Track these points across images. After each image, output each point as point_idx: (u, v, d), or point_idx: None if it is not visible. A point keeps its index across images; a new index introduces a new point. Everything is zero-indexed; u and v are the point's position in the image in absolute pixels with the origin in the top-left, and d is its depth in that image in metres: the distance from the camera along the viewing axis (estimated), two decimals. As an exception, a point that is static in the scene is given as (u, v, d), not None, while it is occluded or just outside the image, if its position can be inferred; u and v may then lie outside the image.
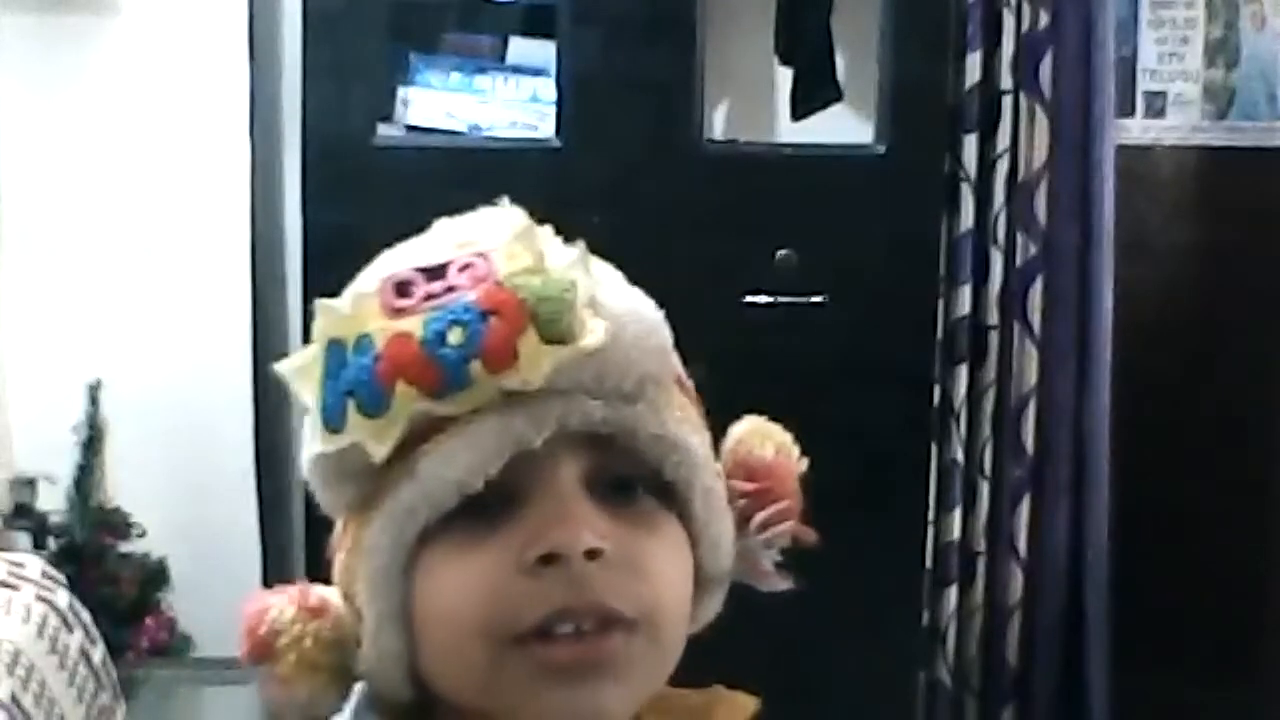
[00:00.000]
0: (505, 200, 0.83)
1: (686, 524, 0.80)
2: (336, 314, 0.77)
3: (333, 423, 0.76)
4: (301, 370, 0.77)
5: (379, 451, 0.75)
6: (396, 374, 0.74)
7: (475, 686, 0.76)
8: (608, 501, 0.77)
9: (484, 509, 0.75)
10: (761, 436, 0.88)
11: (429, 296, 0.76)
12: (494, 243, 0.78)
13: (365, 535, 0.78)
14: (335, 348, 0.76)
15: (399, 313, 0.75)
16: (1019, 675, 3.13)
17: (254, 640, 0.80)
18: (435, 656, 0.77)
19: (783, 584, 0.87)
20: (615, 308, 0.78)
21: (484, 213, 0.83)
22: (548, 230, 0.80)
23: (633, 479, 0.78)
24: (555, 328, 0.74)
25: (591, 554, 0.74)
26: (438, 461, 0.75)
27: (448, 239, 0.80)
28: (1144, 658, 3.09)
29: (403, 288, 0.76)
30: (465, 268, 0.77)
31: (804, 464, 0.88)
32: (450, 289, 0.76)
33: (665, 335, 0.81)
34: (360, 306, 0.77)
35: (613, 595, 0.75)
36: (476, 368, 0.74)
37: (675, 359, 0.82)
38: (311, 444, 0.78)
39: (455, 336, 0.74)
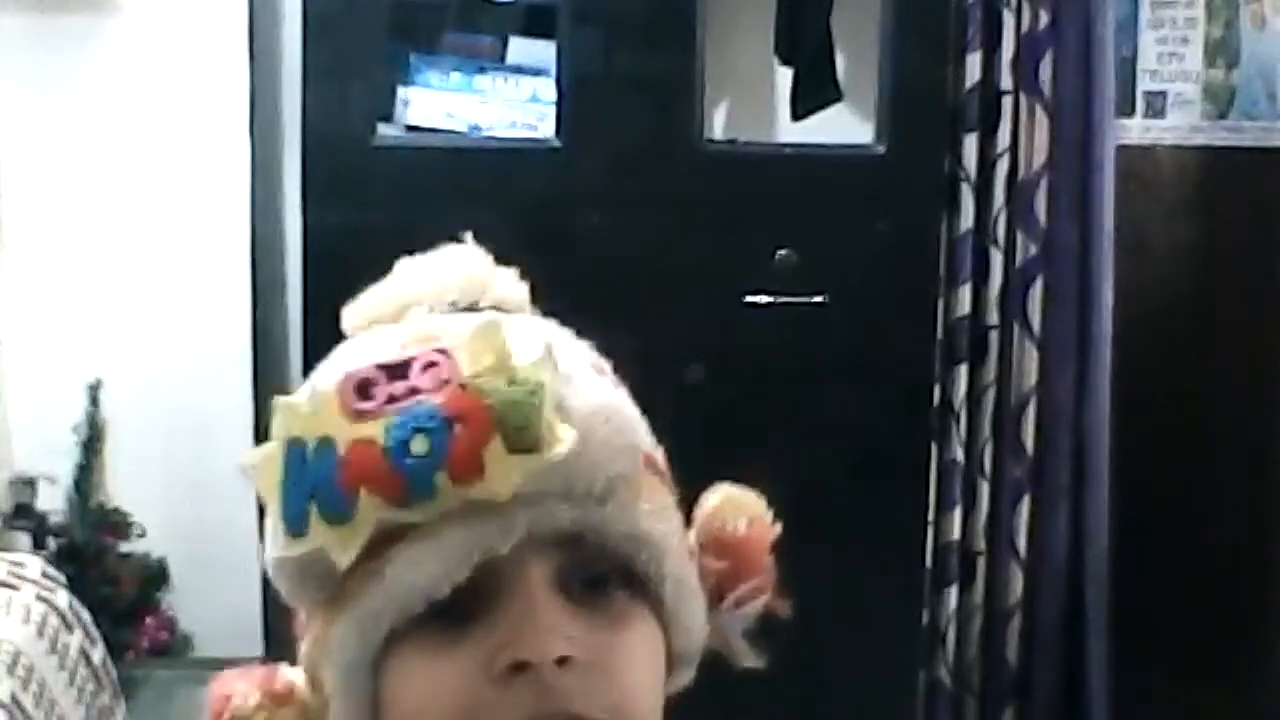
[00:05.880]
0: (470, 238, 0.83)
1: (657, 609, 0.78)
2: (296, 412, 0.74)
3: (295, 526, 0.74)
4: (262, 467, 0.75)
5: (343, 559, 0.73)
6: (359, 482, 0.72)
7: None
8: (579, 598, 0.75)
9: (452, 612, 0.74)
10: (735, 508, 0.85)
11: (391, 399, 0.73)
12: (456, 339, 0.75)
13: (332, 632, 0.76)
14: (295, 448, 0.73)
15: (360, 415, 0.73)
16: (1019, 675, 3.13)
17: None
18: None
19: (755, 660, 0.85)
20: (583, 408, 0.76)
21: (447, 252, 0.83)
22: (514, 319, 0.79)
23: (604, 575, 0.76)
24: (523, 436, 0.72)
25: (561, 660, 0.72)
26: (403, 568, 0.73)
27: (407, 327, 0.78)
28: (1144, 658, 3.09)
29: (364, 387, 0.74)
30: (429, 366, 0.74)
31: (777, 530, 0.86)
32: (413, 390, 0.73)
33: (635, 429, 0.79)
34: (320, 406, 0.74)
35: (583, 701, 0.73)
36: (442, 479, 0.71)
37: (647, 436, 0.80)
38: (273, 546, 0.76)
39: (419, 445, 0.71)
